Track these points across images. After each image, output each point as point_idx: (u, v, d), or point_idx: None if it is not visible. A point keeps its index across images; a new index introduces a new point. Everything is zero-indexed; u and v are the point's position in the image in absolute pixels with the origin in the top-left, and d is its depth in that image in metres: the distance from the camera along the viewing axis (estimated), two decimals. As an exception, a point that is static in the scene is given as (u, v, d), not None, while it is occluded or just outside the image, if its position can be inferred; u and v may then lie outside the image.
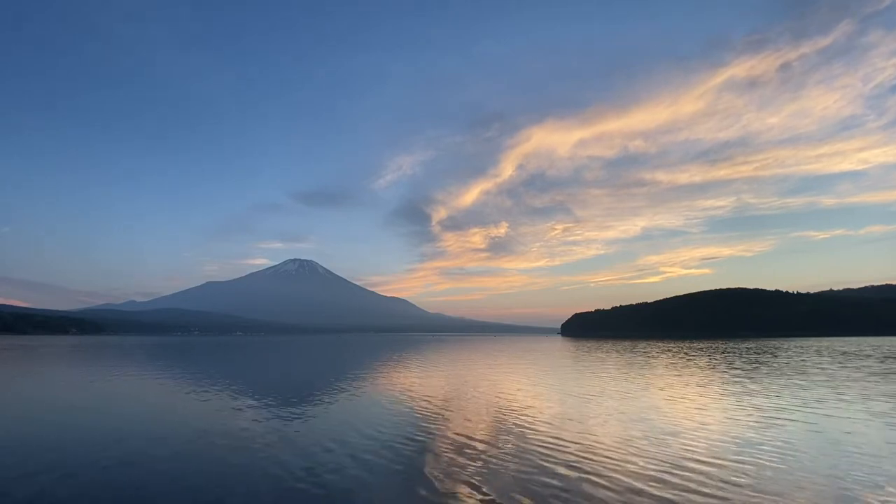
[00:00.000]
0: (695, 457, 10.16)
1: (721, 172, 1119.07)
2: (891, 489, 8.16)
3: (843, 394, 19.25)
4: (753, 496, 7.82)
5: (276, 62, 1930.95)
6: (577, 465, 9.67)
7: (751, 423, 13.60)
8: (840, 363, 35.35)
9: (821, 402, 17.33)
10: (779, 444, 11.25)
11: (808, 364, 34.92)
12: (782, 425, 13.33)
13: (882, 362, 35.94)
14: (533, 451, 10.79)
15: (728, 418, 14.42)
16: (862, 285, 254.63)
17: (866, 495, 7.89)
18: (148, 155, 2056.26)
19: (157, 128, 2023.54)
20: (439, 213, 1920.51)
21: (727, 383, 23.48)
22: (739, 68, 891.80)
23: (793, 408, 16.09)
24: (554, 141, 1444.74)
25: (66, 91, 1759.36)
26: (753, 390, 20.61)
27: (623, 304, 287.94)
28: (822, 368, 31.16)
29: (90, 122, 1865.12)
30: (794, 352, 52.27)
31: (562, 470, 9.32)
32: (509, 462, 9.92)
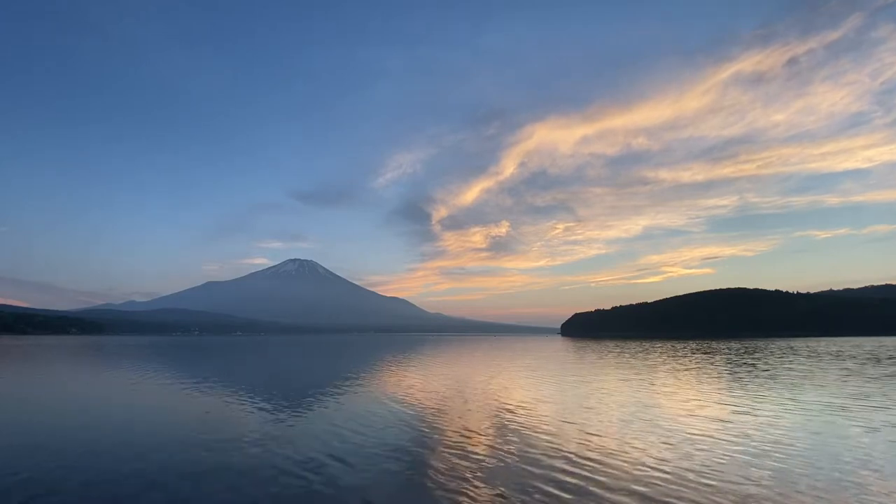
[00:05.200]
0: (672, 457, 10.41)
1: (724, 171, 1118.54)
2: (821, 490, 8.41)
3: (802, 394, 19.51)
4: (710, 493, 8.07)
5: (274, 58, 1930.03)
6: (576, 464, 9.85)
7: (709, 423, 13.85)
8: (821, 364, 35.56)
9: (779, 402, 17.59)
10: (758, 440, 11.51)
11: (786, 365, 35.14)
12: (749, 423, 13.59)
13: (864, 364, 36.13)
14: (531, 450, 10.94)
15: (705, 418, 14.68)
16: (862, 285, 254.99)
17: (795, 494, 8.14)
18: (146, 153, 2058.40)
19: (155, 126, 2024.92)
20: (440, 212, 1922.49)
21: (703, 383, 23.73)
22: (746, 63, 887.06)
23: (761, 407, 16.38)
24: (556, 138, 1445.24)
25: (64, 89, 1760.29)
26: (722, 389, 20.89)
27: (623, 304, 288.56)
28: (796, 368, 31.39)
29: (88, 121, 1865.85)
30: (780, 353, 52.46)
31: (560, 470, 9.48)
32: (508, 461, 10.06)
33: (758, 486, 8.38)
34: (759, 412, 15.48)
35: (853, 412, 15.34)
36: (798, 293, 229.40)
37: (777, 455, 10.34)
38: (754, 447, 11.00)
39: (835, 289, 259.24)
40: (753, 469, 9.34)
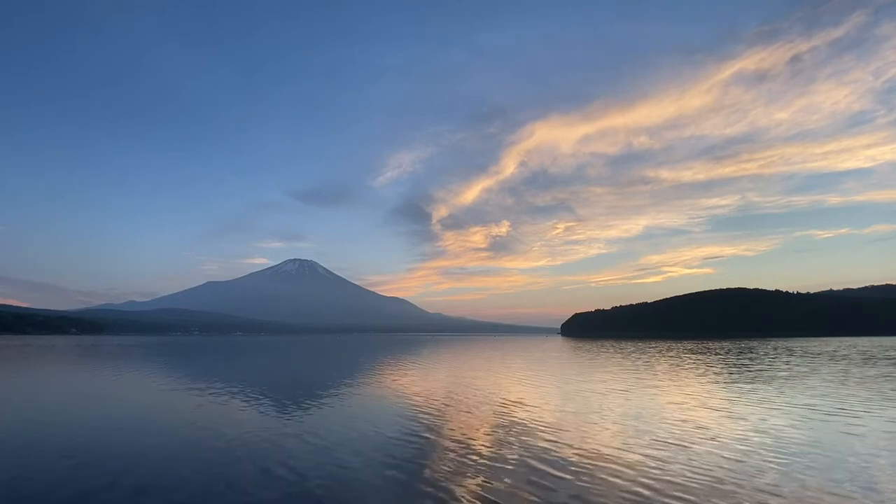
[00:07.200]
0: (664, 456, 10.55)
1: (726, 170, 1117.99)
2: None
3: (793, 394, 19.64)
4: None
5: (274, 58, 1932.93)
6: (575, 465, 9.95)
7: (698, 423, 13.98)
8: (814, 364, 35.67)
9: (758, 401, 17.72)
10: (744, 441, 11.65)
11: (779, 365, 35.26)
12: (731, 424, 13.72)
13: (859, 365, 36.22)
14: (530, 451, 11.00)
15: (693, 418, 14.82)
16: (862, 285, 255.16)
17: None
18: (145, 153, 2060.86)
19: (155, 125, 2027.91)
20: (440, 212, 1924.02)
21: (695, 383, 23.88)
22: (749, 61, 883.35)
23: (749, 407, 16.52)
24: (557, 137, 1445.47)
25: (63, 88, 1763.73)
26: (712, 390, 21.03)
27: (623, 304, 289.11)
28: (788, 369, 31.51)
29: (86, 120, 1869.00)
30: (774, 353, 52.55)
31: (559, 470, 9.57)
32: (508, 462, 10.12)
33: (750, 486, 8.52)
34: (747, 412, 15.58)
35: (846, 412, 15.45)
36: (798, 293, 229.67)
37: (768, 455, 10.45)
38: (743, 448, 11.11)
39: (835, 289, 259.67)
40: (743, 469, 9.45)
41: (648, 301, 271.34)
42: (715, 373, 29.91)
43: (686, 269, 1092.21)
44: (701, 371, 31.25)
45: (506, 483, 8.79)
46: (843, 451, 10.84)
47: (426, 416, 15.54)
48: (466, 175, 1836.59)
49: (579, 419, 14.89)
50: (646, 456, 10.49)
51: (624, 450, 11.04)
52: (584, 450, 11.07)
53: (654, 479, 8.86)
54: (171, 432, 13.22)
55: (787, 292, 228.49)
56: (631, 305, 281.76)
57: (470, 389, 22.65)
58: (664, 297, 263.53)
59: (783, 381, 24.78)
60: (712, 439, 11.98)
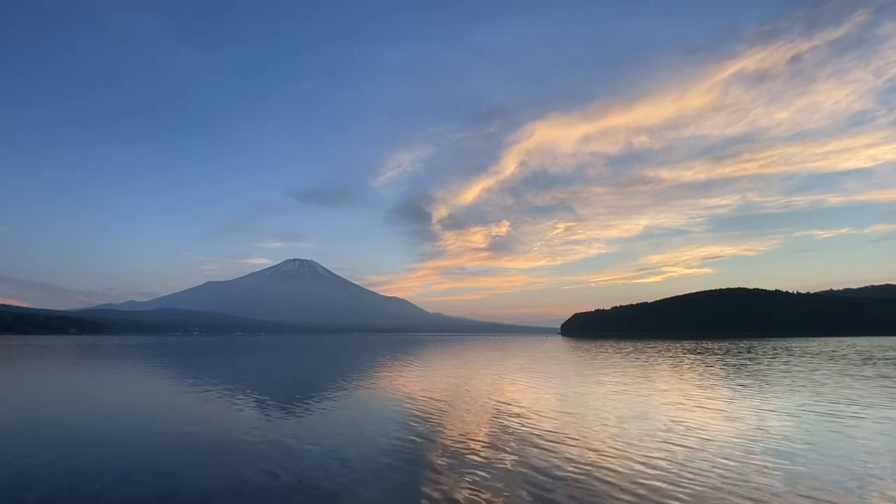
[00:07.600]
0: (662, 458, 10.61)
1: (726, 170, 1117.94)
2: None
3: (787, 394, 19.70)
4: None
5: (273, 57, 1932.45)
6: (570, 467, 9.99)
7: (691, 424, 14.03)
8: (812, 364, 35.71)
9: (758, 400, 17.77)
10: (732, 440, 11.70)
11: (776, 365, 35.31)
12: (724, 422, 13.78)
13: (857, 364, 36.23)
14: (523, 453, 11.02)
15: (686, 418, 14.88)
16: (862, 285, 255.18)
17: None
18: (145, 153, 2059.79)
19: (155, 125, 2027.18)
20: (440, 212, 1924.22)
21: (690, 384, 23.94)
22: (749, 61, 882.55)
23: (743, 407, 16.58)
24: (557, 136, 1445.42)
25: (63, 88, 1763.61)
26: (708, 390, 21.10)
27: (624, 304, 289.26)
28: (785, 369, 31.56)
29: (86, 120, 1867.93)
30: (773, 353, 52.56)
31: (553, 473, 9.61)
32: (499, 465, 10.13)
33: (746, 488, 8.58)
34: (744, 413, 15.64)
35: (842, 413, 15.50)
36: (798, 293, 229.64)
37: (764, 457, 10.50)
38: (740, 449, 11.16)
39: (835, 289, 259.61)
40: (739, 471, 9.50)
41: (648, 301, 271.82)
42: (713, 373, 29.96)
43: (686, 269, 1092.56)
44: (699, 371, 31.30)
45: (495, 486, 8.85)
46: (840, 452, 10.88)
47: (417, 418, 15.55)
48: (466, 175, 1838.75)
49: (576, 420, 14.95)
50: (641, 458, 10.55)
51: (620, 451, 11.10)
52: (580, 451, 11.13)
53: (649, 481, 8.93)
54: (166, 432, 13.29)
55: (787, 292, 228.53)
56: (631, 305, 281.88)
57: (467, 390, 22.70)
58: (664, 297, 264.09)
59: (781, 381, 24.83)
60: (708, 440, 12.04)
